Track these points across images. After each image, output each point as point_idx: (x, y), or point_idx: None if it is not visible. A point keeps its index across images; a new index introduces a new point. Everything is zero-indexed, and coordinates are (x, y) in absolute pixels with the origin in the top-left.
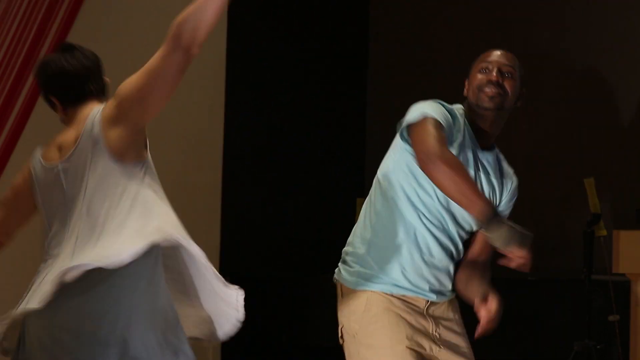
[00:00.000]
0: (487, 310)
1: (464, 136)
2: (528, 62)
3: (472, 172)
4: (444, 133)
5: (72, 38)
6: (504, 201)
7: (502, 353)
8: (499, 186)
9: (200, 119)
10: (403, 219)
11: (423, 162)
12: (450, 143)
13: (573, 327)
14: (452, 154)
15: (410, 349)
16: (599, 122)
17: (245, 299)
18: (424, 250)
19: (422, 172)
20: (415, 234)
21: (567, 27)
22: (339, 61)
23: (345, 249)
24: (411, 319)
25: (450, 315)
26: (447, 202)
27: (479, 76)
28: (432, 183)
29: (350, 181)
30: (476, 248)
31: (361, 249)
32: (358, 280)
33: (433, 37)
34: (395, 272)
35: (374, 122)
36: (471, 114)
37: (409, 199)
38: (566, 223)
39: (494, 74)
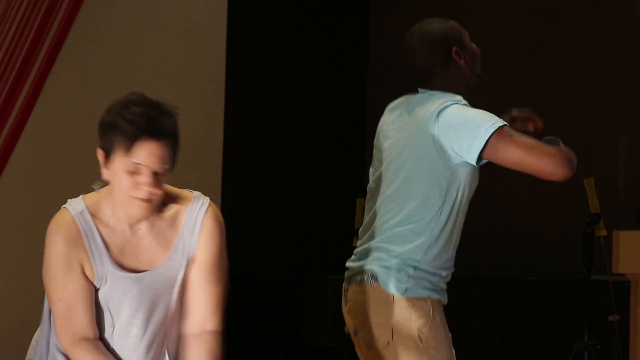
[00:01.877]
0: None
1: None
2: (528, 62)
3: None
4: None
5: (72, 38)
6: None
7: (502, 353)
8: None
9: (200, 119)
10: (450, 230)
11: (565, 169)
12: None
13: (573, 327)
14: (554, 148)
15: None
16: (599, 122)
17: (246, 299)
18: (451, 260)
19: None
20: (452, 244)
21: (567, 27)
22: (339, 61)
23: (387, 256)
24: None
25: None
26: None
27: (474, 45)
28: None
29: (350, 181)
30: None
31: (419, 260)
32: (415, 288)
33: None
34: (438, 279)
35: (374, 122)
36: (459, 90)
37: (455, 213)
38: (566, 223)
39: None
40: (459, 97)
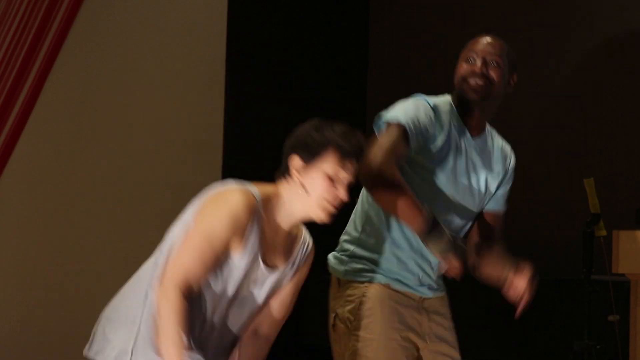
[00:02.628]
0: (519, 283)
1: (449, 129)
2: (529, 62)
3: (462, 163)
4: (404, 144)
5: (72, 38)
6: (505, 179)
7: (502, 353)
8: (496, 167)
9: (200, 119)
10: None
11: (363, 180)
12: (429, 141)
13: (573, 327)
14: (393, 171)
15: (400, 344)
16: (599, 122)
17: None
18: (416, 245)
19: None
20: (390, 225)
21: (568, 27)
22: (339, 61)
23: (343, 238)
24: (405, 312)
25: (442, 309)
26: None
27: (464, 66)
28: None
29: None
30: (484, 226)
31: (359, 240)
32: (355, 271)
33: (433, 37)
34: (391, 265)
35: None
36: (459, 103)
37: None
38: (566, 223)
39: (478, 64)
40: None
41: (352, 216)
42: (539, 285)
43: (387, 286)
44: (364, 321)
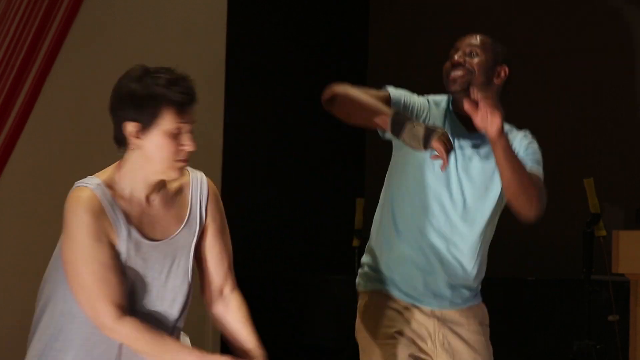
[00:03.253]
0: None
1: (443, 124)
2: (529, 62)
3: (453, 159)
4: (380, 98)
5: (72, 38)
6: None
7: (502, 353)
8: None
9: (199, 119)
10: (398, 227)
11: (324, 99)
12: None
13: (573, 327)
14: (351, 88)
15: (393, 342)
16: (599, 122)
17: (245, 299)
18: (424, 261)
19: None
20: (419, 245)
21: (568, 27)
22: (339, 61)
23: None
24: (409, 315)
25: (464, 320)
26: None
27: (446, 64)
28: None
29: (350, 181)
30: None
31: (367, 250)
32: (363, 281)
33: (433, 37)
34: (394, 275)
35: None
36: (453, 100)
37: (384, 198)
38: (566, 223)
39: (455, 57)
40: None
41: (373, 229)
42: (539, 285)
43: (388, 295)
44: (362, 327)
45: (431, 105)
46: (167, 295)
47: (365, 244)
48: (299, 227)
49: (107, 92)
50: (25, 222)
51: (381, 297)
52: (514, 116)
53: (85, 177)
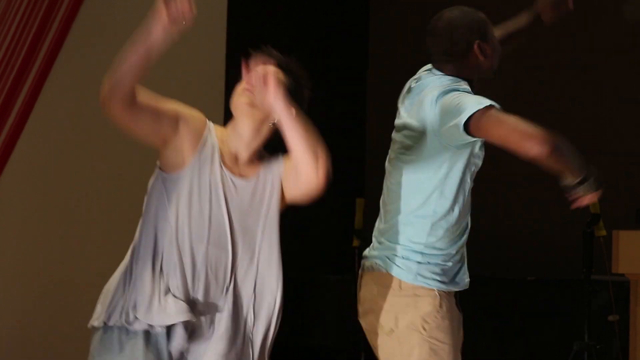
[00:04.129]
0: None
1: None
2: (529, 62)
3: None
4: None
5: (72, 38)
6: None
7: (502, 353)
8: None
9: None
10: (458, 218)
11: (531, 149)
12: None
13: (573, 327)
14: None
15: (459, 352)
16: (599, 121)
17: None
18: (460, 240)
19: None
20: (463, 232)
21: (568, 27)
22: (339, 61)
23: (406, 242)
24: (459, 314)
25: None
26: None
27: (497, 41)
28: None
29: (350, 181)
30: None
31: (428, 245)
32: (426, 277)
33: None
34: (454, 269)
35: (374, 122)
36: (471, 81)
37: (458, 194)
38: (566, 223)
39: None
40: (461, 83)
41: (403, 220)
42: (539, 285)
43: (451, 293)
44: (437, 326)
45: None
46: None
47: (365, 244)
48: (299, 227)
49: None
50: (25, 222)
51: (449, 297)
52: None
53: (85, 176)
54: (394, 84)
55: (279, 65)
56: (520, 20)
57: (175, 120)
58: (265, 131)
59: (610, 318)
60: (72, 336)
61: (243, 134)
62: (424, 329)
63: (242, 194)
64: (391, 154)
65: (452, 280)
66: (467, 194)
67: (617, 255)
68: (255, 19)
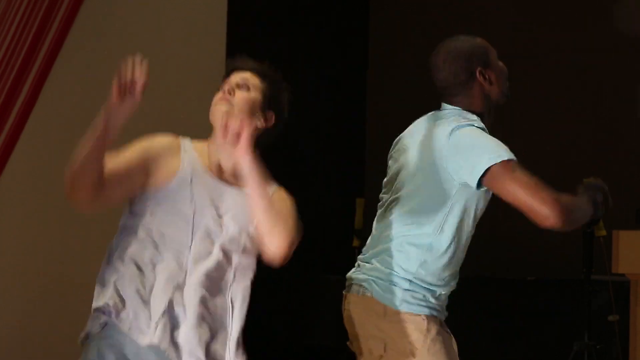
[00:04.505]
0: None
1: None
2: (529, 62)
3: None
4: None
5: (72, 38)
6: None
7: (502, 353)
8: None
9: (199, 119)
10: (451, 260)
11: (545, 220)
12: None
13: (573, 327)
14: (559, 195)
15: None
16: (599, 122)
17: (245, 299)
18: (451, 278)
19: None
20: (452, 278)
21: (568, 27)
22: (339, 61)
23: (394, 269)
24: (449, 335)
25: None
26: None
27: (502, 65)
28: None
29: (350, 181)
30: None
31: (416, 274)
32: (412, 304)
33: (434, 38)
34: (439, 297)
35: (374, 122)
36: (479, 111)
37: (457, 233)
38: None
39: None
40: (475, 118)
41: (396, 247)
42: (539, 285)
43: (437, 318)
44: (429, 350)
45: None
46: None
47: (366, 244)
48: (299, 227)
49: (107, 92)
50: (25, 222)
51: (436, 321)
52: (513, 116)
53: None
54: (394, 84)
55: (255, 72)
56: None
57: (144, 166)
58: None
59: (610, 318)
60: (72, 336)
61: (223, 143)
62: (413, 354)
63: (233, 198)
64: (393, 177)
65: (441, 311)
66: (465, 236)
67: (617, 255)
68: (255, 19)
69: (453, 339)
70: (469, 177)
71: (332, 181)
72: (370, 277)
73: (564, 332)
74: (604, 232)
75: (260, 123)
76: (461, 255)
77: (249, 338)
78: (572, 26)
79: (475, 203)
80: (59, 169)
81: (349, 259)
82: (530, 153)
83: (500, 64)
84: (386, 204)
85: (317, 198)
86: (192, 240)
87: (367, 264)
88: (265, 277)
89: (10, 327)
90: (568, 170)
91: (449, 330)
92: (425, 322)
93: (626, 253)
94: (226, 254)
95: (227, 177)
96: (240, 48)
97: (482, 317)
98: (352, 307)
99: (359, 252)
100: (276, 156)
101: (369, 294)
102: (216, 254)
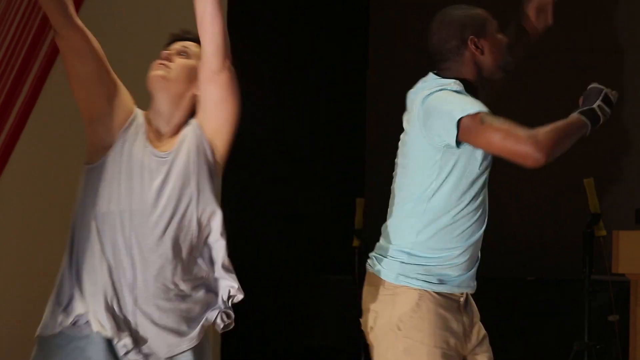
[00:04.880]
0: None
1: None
2: (528, 61)
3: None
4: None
5: None
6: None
7: (502, 353)
8: None
9: None
10: (454, 222)
11: (526, 158)
12: None
13: (573, 327)
14: (529, 131)
15: (444, 352)
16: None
17: (245, 299)
18: (463, 243)
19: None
20: (467, 237)
21: (568, 26)
22: (339, 61)
23: (392, 242)
24: (452, 318)
25: (472, 301)
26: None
27: (501, 37)
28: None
29: (350, 181)
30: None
31: (413, 245)
32: (408, 277)
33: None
34: (442, 268)
35: (374, 122)
36: (473, 82)
37: (453, 198)
38: (566, 223)
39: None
40: (449, 82)
41: (396, 221)
42: (539, 285)
43: (437, 293)
44: (414, 326)
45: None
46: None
47: (365, 244)
48: (299, 227)
49: None
50: (25, 222)
51: (429, 296)
52: (513, 116)
53: None
54: (394, 84)
55: (197, 41)
56: (511, 33)
57: (114, 85)
58: (185, 105)
59: (610, 318)
60: None
61: (161, 109)
62: (399, 328)
63: (166, 167)
64: (397, 159)
65: (444, 282)
66: (466, 202)
67: (617, 255)
68: (255, 19)
69: (457, 320)
70: (447, 137)
71: (332, 181)
72: (374, 254)
73: (564, 332)
74: (604, 232)
75: (197, 91)
76: (467, 225)
77: (249, 338)
78: (572, 26)
79: (465, 165)
80: (59, 169)
81: (349, 259)
82: None
83: (500, 36)
84: (393, 183)
85: (317, 198)
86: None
87: (378, 242)
88: (266, 277)
89: (11, 327)
90: (568, 170)
91: (467, 307)
92: (417, 296)
93: (626, 253)
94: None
95: (165, 144)
96: (240, 48)
97: (482, 317)
98: (365, 283)
99: (359, 252)
100: (276, 156)
101: (371, 270)
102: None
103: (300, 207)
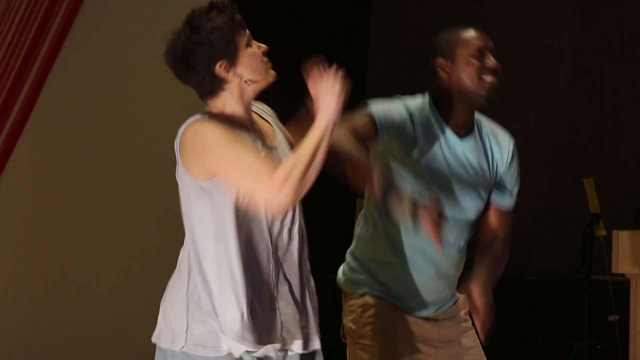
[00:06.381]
0: (475, 311)
1: (432, 129)
2: (529, 61)
3: (453, 167)
4: (370, 129)
5: (72, 38)
6: (507, 170)
7: (502, 353)
8: (492, 162)
9: None
10: (374, 219)
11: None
12: (407, 144)
13: (573, 327)
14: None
15: (400, 349)
16: (599, 122)
17: None
18: (420, 266)
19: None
20: (406, 252)
21: (567, 26)
22: (339, 61)
23: (350, 250)
24: (407, 318)
25: (456, 315)
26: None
27: (475, 62)
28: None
29: None
30: (489, 225)
31: (355, 252)
32: (354, 283)
33: (433, 37)
34: (386, 281)
35: None
36: (446, 103)
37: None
38: (566, 223)
39: (492, 60)
40: (410, 99)
41: (362, 230)
42: (539, 285)
43: (383, 298)
44: (364, 329)
45: (413, 114)
46: None
47: None
48: None
49: (107, 92)
50: (26, 222)
51: (377, 300)
52: (513, 116)
53: (85, 177)
54: (394, 84)
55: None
56: None
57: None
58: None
59: (610, 318)
60: (72, 336)
61: (248, 109)
62: (350, 333)
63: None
64: None
65: (388, 292)
66: (401, 214)
67: (617, 255)
68: (255, 20)
69: (404, 324)
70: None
71: (332, 181)
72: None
73: (564, 332)
74: (604, 232)
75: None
76: (404, 236)
77: None
78: (573, 25)
79: (385, 167)
80: (59, 169)
81: None
82: (530, 153)
83: (474, 62)
84: None
85: (317, 198)
86: None
87: None
88: None
89: (11, 327)
90: (568, 170)
91: (415, 318)
92: (364, 302)
93: (626, 253)
94: None
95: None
96: None
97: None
98: None
99: None
100: None
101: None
102: None
103: (300, 207)
